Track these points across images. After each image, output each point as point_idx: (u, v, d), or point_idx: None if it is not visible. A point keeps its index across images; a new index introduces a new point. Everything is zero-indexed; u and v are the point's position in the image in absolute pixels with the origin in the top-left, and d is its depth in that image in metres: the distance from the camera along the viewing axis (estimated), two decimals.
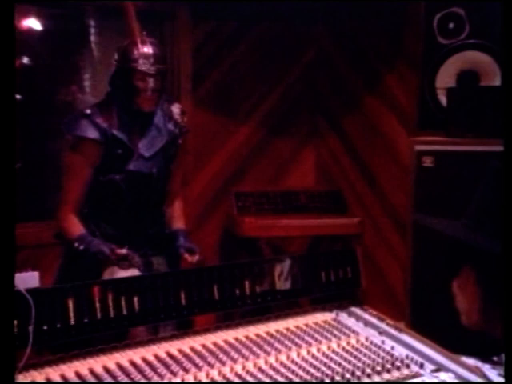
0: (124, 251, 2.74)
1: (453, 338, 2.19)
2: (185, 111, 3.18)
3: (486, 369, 2.05)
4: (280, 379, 1.92)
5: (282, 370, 1.99)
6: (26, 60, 4.87)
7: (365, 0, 3.64)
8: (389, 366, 2.05)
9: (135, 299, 2.16)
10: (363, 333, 2.31)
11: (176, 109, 3.09)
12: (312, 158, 4.34)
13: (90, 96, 5.13)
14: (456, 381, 2.01)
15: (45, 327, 1.98)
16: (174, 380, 1.90)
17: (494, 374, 2.00)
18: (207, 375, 1.93)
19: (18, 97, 4.91)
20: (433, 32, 3.39)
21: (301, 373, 1.97)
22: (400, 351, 2.19)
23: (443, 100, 3.39)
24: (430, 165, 3.14)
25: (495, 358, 2.13)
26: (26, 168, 4.70)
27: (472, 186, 2.67)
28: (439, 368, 2.09)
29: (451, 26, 3.36)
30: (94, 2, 3.99)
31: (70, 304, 2.04)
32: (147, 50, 2.89)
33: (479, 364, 2.08)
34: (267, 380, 1.92)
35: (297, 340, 2.20)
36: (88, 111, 2.90)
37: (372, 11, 3.78)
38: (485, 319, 1.42)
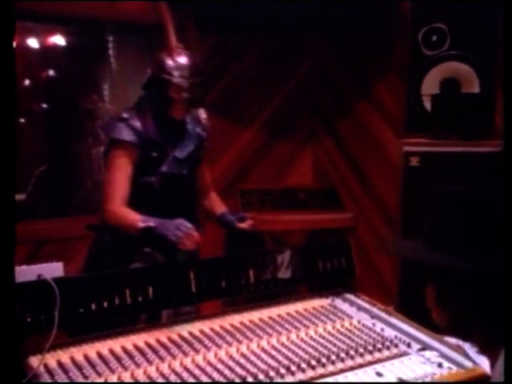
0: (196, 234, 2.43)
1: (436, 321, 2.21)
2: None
3: (467, 347, 2.08)
4: (281, 359, 1.94)
5: (283, 350, 2.02)
6: (51, 72, 4.91)
7: (358, 16, 3.65)
8: (379, 345, 2.08)
9: (150, 287, 2.19)
10: (356, 316, 2.34)
11: (203, 114, 2.99)
12: (310, 158, 4.34)
13: (108, 104, 5.16)
14: (440, 358, 2.04)
15: (68, 312, 2.00)
16: (184, 359, 1.93)
17: (473, 351, 2.03)
18: (215, 355, 1.96)
19: (44, 106, 4.96)
20: (418, 44, 3.40)
21: (300, 353, 1.99)
22: (389, 332, 2.21)
23: (428, 105, 3.39)
24: (416, 164, 3.15)
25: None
26: (52, 169, 4.74)
27: (453, 183, 2.70)
28: (425, 347, 2.11)
29: (434, 38, 3.37)
30: (112, 20, 3.98)
31: (91, 291, 2.07)
32: (183, 62, 2.72)
33: (460, 343, 2.11)
34: (270, 360, 1.95)
35: (296, 323, 2.23)
36: (125, 115, 2.73)
37: (364, 26, 3.79)
38: (449, 324, 1.45)
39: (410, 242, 1.53)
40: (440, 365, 1.99)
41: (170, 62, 2.71)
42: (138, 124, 2.72)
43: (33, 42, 4.92)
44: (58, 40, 4.96)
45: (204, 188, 3.06)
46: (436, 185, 1.45)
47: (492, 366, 1.40)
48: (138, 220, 2.51)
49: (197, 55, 2.83)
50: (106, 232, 2.78)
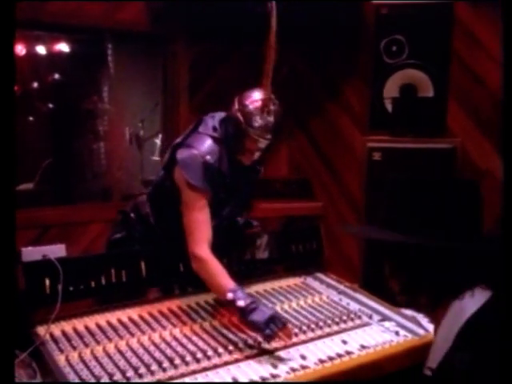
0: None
1: (394, 296, 2.22)
2: None
3: (420, 317, 2.11)
4: None
5: None
6: (57, 76, 4.88)
7: (328, 29, 3.65)
8: (345, 317, 2.10)
9: (142, 268, 2.19)
10: (325, 292, 2.35)
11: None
12: (285, 153, 4.34)
13: (107, 105, 5.13)
14: (397, 328, 2.06)
15: (71, 288, 2.01)
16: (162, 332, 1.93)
17: (425, 320, 2.06)
18: (201, 326, 1.98)
19: (50, 105, 4.93)
20: (380, 54, 3.41)
21: None
22: (354, 306, 2.23)
23: (389, 107, 3.40)
24: (379, 159, 3.16)
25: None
26: (57, 162, 4.71)
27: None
28: (384, 318, 2.14)
29: (394, 49, 3.38)
30: (110, 30, 3.94)
31: (91, 270, 2.07)
32: (269, 120, 2.20)
33: (414, 314, 2.14)
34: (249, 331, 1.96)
35: (273, 299, 2.25)
36: (209, 159, 2.21)
37: (334, 37, 3.80)
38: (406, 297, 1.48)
39: (367, 225, 1.55)
40: (397, 333, 2.02)
41: (257, 118, 2.20)
42: (217, 169, 2.25)
43: (41, 49, 4.90)
44: (63, 47, 4.94)
45: None
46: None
47: (435, 328, 1.43)
48: (228, 289, 1.99)
49: (281, 112, 2.27)
50: (137, 221, 2.47)
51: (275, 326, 1.86)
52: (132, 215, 2.46)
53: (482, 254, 1.37)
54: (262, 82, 2.27)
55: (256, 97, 2.25)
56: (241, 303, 1.92)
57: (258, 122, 2.20)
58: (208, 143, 2.25)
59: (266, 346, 1.85)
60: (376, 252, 2.98)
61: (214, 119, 2.34)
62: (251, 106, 2.22)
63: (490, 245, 1.41)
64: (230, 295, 1.96)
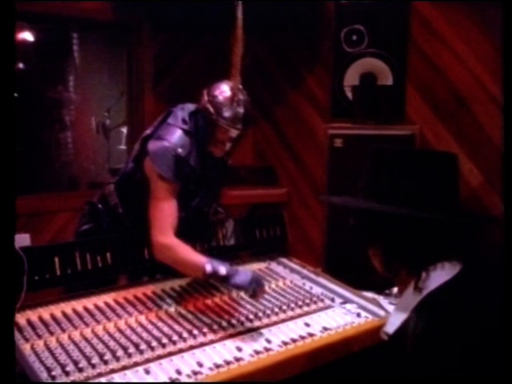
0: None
1: (356, 279, 2.25)
2: None
3: (381, 299, 2.14)
4: (222, 314, 1.96)
5: (225, 307, 2.03)
6: (20, 65, 4.78)
7: (289, 18, 3.63)
8: (308, 301, 2.12)
9: (108, 256, 2.17)
10: (289, 277, 2.36)
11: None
12: (250, 140, 4.32)
13: (73, 94, 5.06)
14: (359, 309, 2.08)
15: (36, 277, 1.98)
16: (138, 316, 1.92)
17: (385, 302, 2.09)
18: (166, 312, 1.97)
19: (15, 95, 4.83)
20: (341, 43, 3.41)
21: (240, 309, 2.01)
22: (317, 290, 2.25)
23: (349, 95, 3.41)
24: (340, 145, 3.17)
25: (387, 291, 2.22)
26: (24, 152, 4.62)
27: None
28: (346, 301, 2.16)
29: (354, 38, 3.38)
30: (75, 18, 3.86)
31: (56, 259, 2.04)
32: (239, 110, 2.21)
33: (376, 296, 2.17)
34: (212, 313, 1.96)
35: None
36: (180, 151, 2.19)
37: (295, 27, 3.78)
38: (387, 274, 1.48)
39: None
40: (358, 315, 2.05)
41: (225, 105, 2.20)
42: (188, 161, 2.24)
43: None
44: (27, 36, 4.82)
45: None
46: (372, 145, 1.49)
47: None
48: (203, 262, 1.99)
49: (250, 103, 2.29)
50: (105, 212, 2.41)
51: (256, 285, 1.94)
52: (100, 206, 2.41)
53: (457, 226, 1.38)
54: (231, 73, 2.27)
55: (225, 88, 2.25)
56: (222, 271, 1.95)
57: (228, 112, 2.20)
58: (179, 135, 2.23)
59: (230, 331, 1.85)
60: (338, 237, 3.00)
61: (183, 111, 2.32)
62: (221, 97, 2.22)
63: (465, 217, 1.42)
64: (208, 268, 1.96)
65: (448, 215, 1.36)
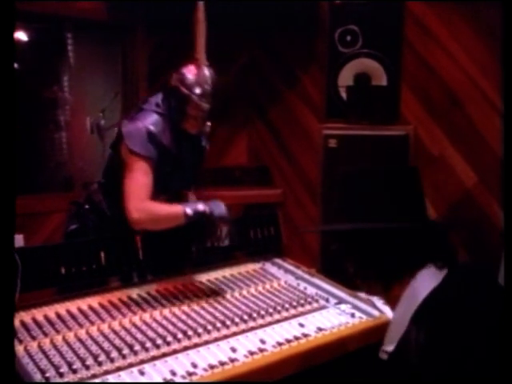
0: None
1: (350, 279, 2.25)
2: None
3: (375, 300, 2.13)
4: (218, 315, 1.95)
5: (220, 307, 2.03)
6: (15, 65, 4.76)
7: (284, 19, 3.64)
8: (302, 301, 2.11)
9: (102, 256, 2.16)
10: (283, 278, 2.36)
11: (208, 126, 2.59)
12: (245, 141, 4.33)
13: (67, 94, 5.05)
14: (353, 310, 2.08)
15: (29, 278, 1.97)
16: (132, 317, 1.92)
17: (380, 302, 2.09)
18: (160, 313, 1.96)
19: None
20: (335, 43, 3.42)
21: (234, 309, 2.01)
22: (311, 290, 2.24)
23: (344, 95, 3.42)
24: (334, 145, 3.18)
25: None
26: (18, 152, 4.60)
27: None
28: (340, 301, 2.16)
29: (348, 38, 3.39)
30: (70, 18, 3.86)
31: (49, 260, 2.04)
32: (207, 84, 2.35)
33: (370, 296, 2.16)
34: (208, 316, 1.95)
35: (231, 285, 2.24)
36: (153, 128, 2.30)
37: (290, 28, 3.79)
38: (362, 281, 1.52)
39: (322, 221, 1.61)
40: (353, 315, 2.04)
41: (194, 82, 2.34)
42: (161, 138, 2.33)
43: None
44: (21, 36, 4.81)
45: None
46: (340, 168, 1.53)
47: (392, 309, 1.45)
48: (182, 208, 2.14)
49: (217, 79, 2.43)
50: (91, 211, 2.48)
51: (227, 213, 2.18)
52: (86, 206, 2.46)
53: (424, 235, 1.40)
54: (196, 53, 2.56)
55: (192, 67, 2.41)
56: (201, 208, 2.14)
57: (197, 88, 2.35)
58: (152, 116, 2.36)
59: (224, 332, 1.85)
60: (333, 237, 3.00)
61: (157, 97, 2.44)
62: (189, 75, 2.37)
63: (430, 226, 1.45)
64: (189, 210, 2.13)
65: (408, 223, 1.39)
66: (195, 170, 2.66)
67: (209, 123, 2.57)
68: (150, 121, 2.33)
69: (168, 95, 2.40)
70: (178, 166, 2.45)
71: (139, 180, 2.24)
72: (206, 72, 2.40)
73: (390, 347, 1.39)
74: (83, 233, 2.40)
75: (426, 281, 1.35)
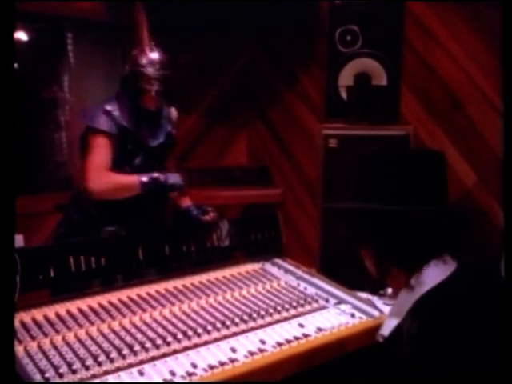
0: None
1: (350, 279, 2.25)
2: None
3: (375, 300, 2.13)
4: (218, 315, 1.95)
5: (220, 308, 2.02)
6: (16, 65, 4.76)
7: (284, 19, 3.64)
8: (302, 301, 2.11)
9: (102, 256, 2.16)
10: (283, 278, 2.36)
11: (174, 112, 2.88)
12: (245, 141, 4.33)
13: (67, 94, 5.04)
14: (353, 310, 2.08)
15: (29, 279, 1.96)
16: (132, 317, 1.91)
17: (380, 302, 2.09)
18: (160, 313, 1.96)
19: None
20: (335, 43, 3.42)
21: (234, 309, 2.00)
22: (311, 290, 2.24)
23: (344, 95, 3.42)
24: (334, 145, 3.17)
25: (381, 292, 2.22)
26: (18, 152, 4.60)
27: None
28: (340, 301, 2.15)
29: (348, 38, 3.39)
30: (69, 18, 3.86)
31: (50, 260, 2.03)
32: (154, 56, 2.66)
33: (370, 296, 2.17)
34: (208, 316, 1.95)
35: (231, 285, 2.24)
36: (108, 107, 2.58)
37: (290, 27, 3.79)
38: (380, 275, 1.48)
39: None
40: (353, 315, 2.04)
41: (142, 57, 2.66)
42: (118, 116, 2.58)
43: None
44: (21, 36, 4.81)
45: None
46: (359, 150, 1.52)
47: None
48: (138, 177, 2.47)
49: (167, 53, 2.75)
50: (75, 211, 2.64)
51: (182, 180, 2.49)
52: (71, 208, 2.62)
53: (447, 219, 1.39)
54: (140, 40, 2.74)
55: (137, 50, 2.70)
56: (155, 175, 2.46)
57: (144, 60, 2.64)
58: (109, 99, 2.65)
59: (224, 332, 1.85)
60: (333, 237, 3.00)
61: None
62: (134, 53, 2.69)
63: (454, 211, 1.44)
64: (144, 178, 2.45)
65: (433, 209, 1.37)
66: (163, 152, 2.84)
67: (174, 109, 2.87)
68: (106, 102, 2.61)
69: (124, 80, 2.70)
70: (140, 145, 2.66)
71: (97, 153, 2.50)
72: (151, 51, 2.68)
73: (386, 331, 1.40)
74: (70, 235, 2.54)
75: (432, 275, 1.34)
